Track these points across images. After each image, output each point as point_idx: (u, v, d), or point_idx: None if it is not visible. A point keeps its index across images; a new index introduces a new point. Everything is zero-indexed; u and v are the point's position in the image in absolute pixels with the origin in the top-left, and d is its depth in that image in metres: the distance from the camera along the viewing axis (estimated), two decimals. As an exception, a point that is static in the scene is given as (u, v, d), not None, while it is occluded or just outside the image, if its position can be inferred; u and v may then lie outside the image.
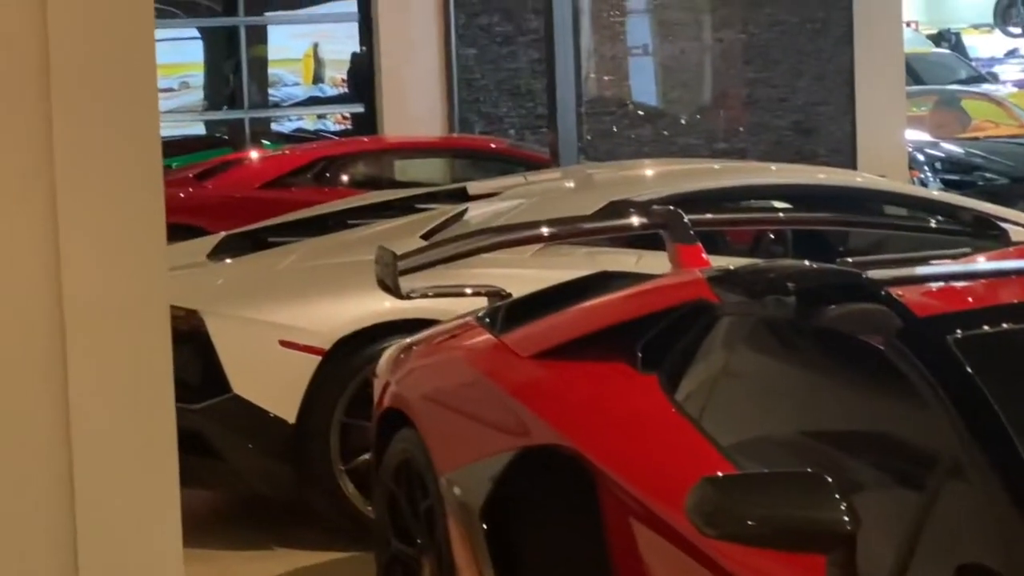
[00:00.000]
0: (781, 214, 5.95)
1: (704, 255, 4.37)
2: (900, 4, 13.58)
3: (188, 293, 5.21)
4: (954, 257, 4.55)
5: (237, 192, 8.91)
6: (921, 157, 12.85)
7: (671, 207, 4.79)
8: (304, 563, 5.12)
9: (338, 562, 5.05)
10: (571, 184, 6.44)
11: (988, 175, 12.32)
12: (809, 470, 2.43)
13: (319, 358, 5.06)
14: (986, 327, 2.69)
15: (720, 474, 2.60)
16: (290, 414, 5.07)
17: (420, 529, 3.75)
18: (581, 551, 3.18)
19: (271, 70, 15.24)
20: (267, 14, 14.66)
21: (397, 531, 3.92)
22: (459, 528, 3.46)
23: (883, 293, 2.78)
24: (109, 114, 2.92)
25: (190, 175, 9.29)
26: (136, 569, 3.06)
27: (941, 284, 3.20)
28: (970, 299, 3.01)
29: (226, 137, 13.04)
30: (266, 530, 5.47)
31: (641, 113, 12.74)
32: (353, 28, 13.21)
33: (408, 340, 4.26)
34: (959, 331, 2.61)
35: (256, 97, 14.14)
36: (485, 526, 3.36)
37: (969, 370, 2.48)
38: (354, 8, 12.99)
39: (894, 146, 12.74)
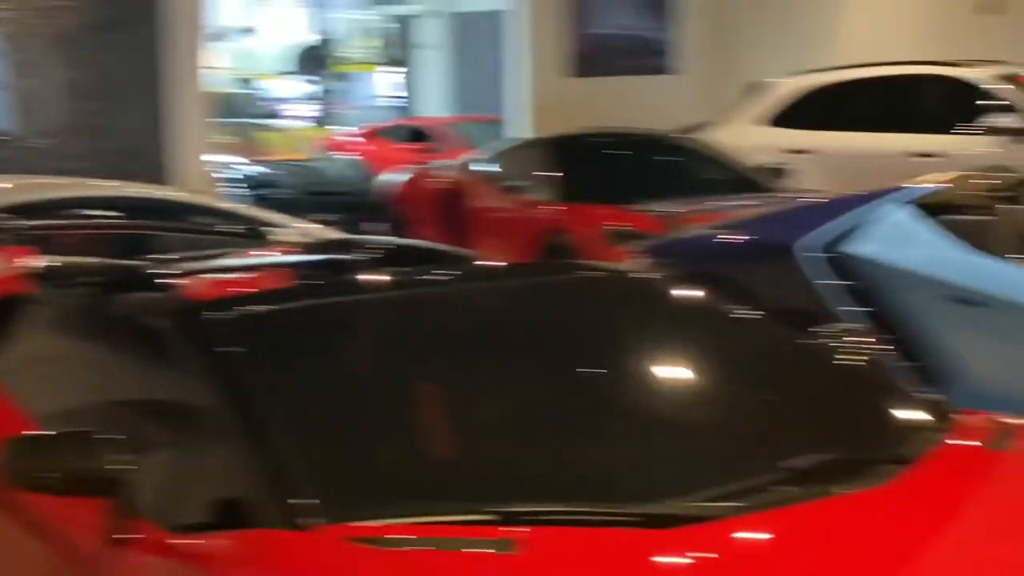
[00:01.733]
0: (103, 220, 5.76)
1: (34, 256, 4.09)
2: (202, 53, 13.13)
3: None
4: (230, 254, 4.42)
5: None
6: (235, 175, 13.49)
7: (2, 214, 4.81)
8: None
9: None
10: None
11: (284, 190, 13.20)
12: (93, 429, 2.45)
13: None
14: (235, 309, 2.88)
15: (25, 433, 2.55)
16: None
17: None
18: None
19: None
20: None
21: None
22: None
23: (161, 283, 3.03)
24: None
25: None
26: None
27: (214, 276, 3.34)
28: (230, 288, 3.18)
29: None
30: None
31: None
32: None
33: None
34: (215, 312, 2.84)
35: None
36: None
37: (216, 343, 2.70)
38: None
39: (199, 167, 12.54)
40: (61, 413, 2.88)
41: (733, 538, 2.25)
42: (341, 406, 2.67)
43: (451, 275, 3.41)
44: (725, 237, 5.85)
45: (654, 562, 2.16)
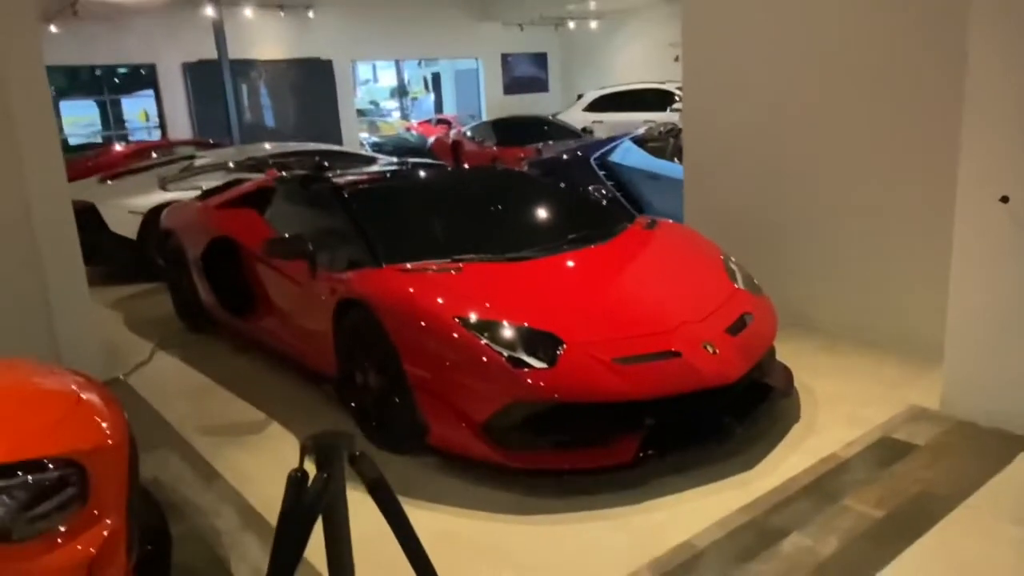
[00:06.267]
0: (315, 156, 7.67)
1: (278, 172, 5.65)
2: (352, 91, 17.57)
3: (87, 195, 7.08)
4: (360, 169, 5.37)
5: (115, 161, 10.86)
6: (368, 141, 17.20)
7: (269, 159, 6.91)
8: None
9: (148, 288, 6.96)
10: (234, 151, 8.50)
11: (387, 146, 16.44)
12: (299, 235, 3.75)
13: (141, 216, 7.12)
14: (357, 187, 4.11)
15: (275, 237, 3.90)
16: (133, 236, 7.14)
17: (179, 270, 5.40)
18: (236, 274, 4.52)
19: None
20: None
21: (174, 270, 5.55)
22: (195, 268, 5.08)
23: (330, 179, 4.41)
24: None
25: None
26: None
27: (348, 178, 4.42)
28: (354, 181, 4.35)
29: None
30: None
31: (269, 128, 17.62)
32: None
33: (173, 205, 5.97)
34: (346, 191, 4.18)
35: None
36: (202, 265, 4.95)
37: (352, 203, 3.97)
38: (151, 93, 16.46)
39: (354, 138, 17.74)
40: (285, 233, 4.13)
41: (552, 263, 3.33)
42: (396, 222, 3.59)
43: (449, 171, 4.67)
44: (561, 156, 7.50)
45: (514, 274, 3.10)
